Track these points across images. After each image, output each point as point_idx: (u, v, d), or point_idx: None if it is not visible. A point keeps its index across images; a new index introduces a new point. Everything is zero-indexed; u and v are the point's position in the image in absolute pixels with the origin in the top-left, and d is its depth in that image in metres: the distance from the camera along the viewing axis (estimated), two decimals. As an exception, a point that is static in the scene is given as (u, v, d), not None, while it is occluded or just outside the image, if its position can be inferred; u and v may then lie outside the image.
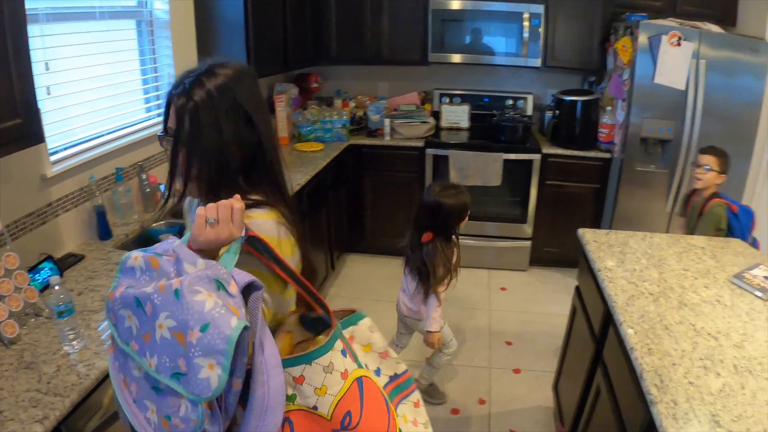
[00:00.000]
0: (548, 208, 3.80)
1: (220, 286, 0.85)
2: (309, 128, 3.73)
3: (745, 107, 3.38)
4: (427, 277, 2.27)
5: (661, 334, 1.54)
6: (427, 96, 4.30)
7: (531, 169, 3.69)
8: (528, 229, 3.89)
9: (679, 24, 3.42)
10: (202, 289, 0.83)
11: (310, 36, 3.82)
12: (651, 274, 1.93)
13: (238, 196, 0.93)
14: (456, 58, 3.88)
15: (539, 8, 3.66)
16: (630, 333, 1.54)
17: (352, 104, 4.25)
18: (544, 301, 3.57)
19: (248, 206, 1.01)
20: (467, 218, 2.33)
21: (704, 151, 2.61)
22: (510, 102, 4.12)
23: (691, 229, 2.66)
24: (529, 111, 4.13)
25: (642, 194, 3.56)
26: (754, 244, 2.46)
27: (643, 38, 3.30)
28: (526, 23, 3.64)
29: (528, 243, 3.93)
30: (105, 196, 2.24)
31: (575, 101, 3.66)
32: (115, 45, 2.46)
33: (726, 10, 3.68)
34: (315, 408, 0.94)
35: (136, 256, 0.93)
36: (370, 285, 3.81)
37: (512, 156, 3.69)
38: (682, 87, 3.31)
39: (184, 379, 0.81)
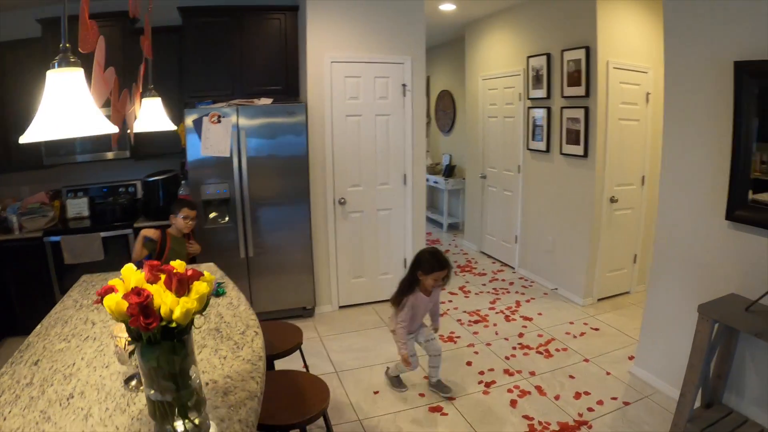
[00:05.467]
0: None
1: None
2: (-50, 231, 4.28)
3: (292, 161, 4.32)
4: None
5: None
6: (57, 193, 5.02)
7: (128, 242, 4.56)
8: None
9: (225, 105, 4.25)
10: None
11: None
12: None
13: None
14: (63, 159, 4.58)
15: (115, 107, 4.58)
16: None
17: (-2, 208, 4.83)
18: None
19: None
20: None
21: None
22: (122, 189, 4.99)
23: None
24: (140, 195, 5.03)
25: (219, 246, 4.35)
26: None
27: (188, 121, 4.07)
28: (107, 122, 4.55)
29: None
30: None
31: (155, 180, 4.63)
32: None
33: (288, 86, 4.78)
34: None
35: None
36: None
37: (108, 233, 4.50)
38: (227, 154, 4.06)
39: None
